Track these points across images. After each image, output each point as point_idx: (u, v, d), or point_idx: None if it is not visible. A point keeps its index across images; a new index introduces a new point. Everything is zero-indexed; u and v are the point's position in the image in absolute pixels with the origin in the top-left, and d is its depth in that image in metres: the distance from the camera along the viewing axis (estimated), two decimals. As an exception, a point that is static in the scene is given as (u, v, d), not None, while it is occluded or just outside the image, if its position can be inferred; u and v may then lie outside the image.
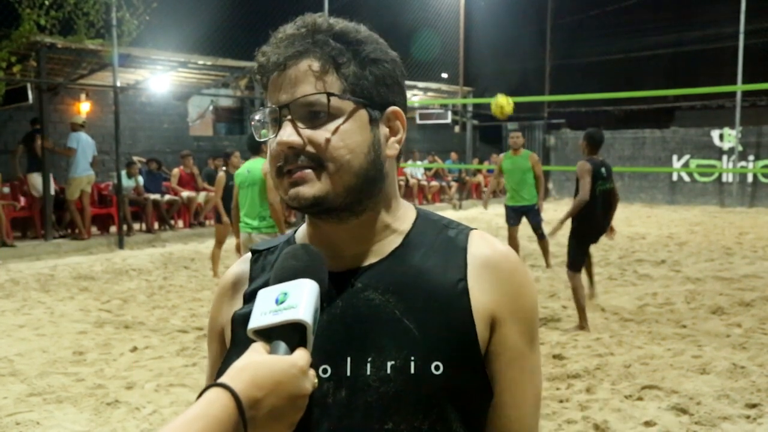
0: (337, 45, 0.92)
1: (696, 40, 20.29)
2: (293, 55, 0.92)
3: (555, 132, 21.31)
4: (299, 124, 0.91)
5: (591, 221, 5.69)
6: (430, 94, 18.56)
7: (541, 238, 8.38)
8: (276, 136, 0.93)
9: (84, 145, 10.89)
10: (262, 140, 0.97)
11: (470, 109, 19.71)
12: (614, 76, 21.02)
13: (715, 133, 18.15)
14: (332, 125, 0.91)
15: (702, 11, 20.24)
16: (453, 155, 19.36)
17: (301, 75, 0.91)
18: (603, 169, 5.75)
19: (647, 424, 3.69)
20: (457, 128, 22.29)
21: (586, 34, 22.06)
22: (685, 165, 18.58)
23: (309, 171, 0.91)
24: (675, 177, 18.90)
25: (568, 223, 5.76)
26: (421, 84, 17.55)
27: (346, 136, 0.91)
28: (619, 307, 6.35)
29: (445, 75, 20.25)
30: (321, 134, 0.91)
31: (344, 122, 0.91)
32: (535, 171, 8.34)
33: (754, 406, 3.91)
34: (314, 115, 0.91)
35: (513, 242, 8.35)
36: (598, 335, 5.44)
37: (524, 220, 8.41)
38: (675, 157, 18.79)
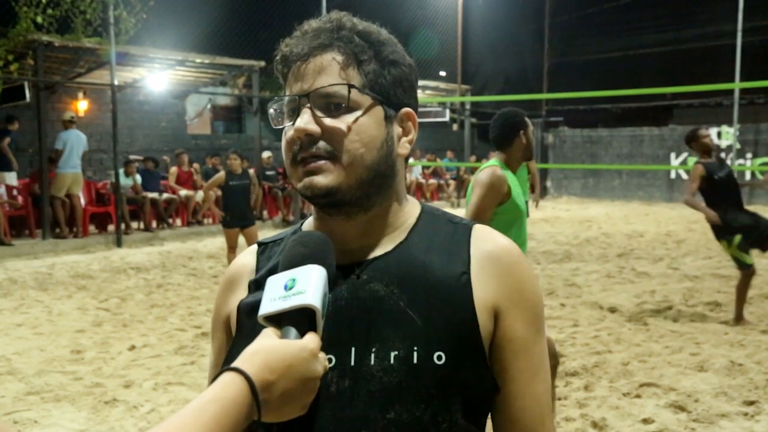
0: (360, 42, 0.95)
1: (694, 38, 20.30)
2: (318, 47, 0.94)
3: (553, 130, 21.31)
4: (318, 113, 0.93)
5: None
6: (428, 92, 18.55)
7: None
8: (293, 123, 0.95)
9: (73, 142, 10.79)
10: (278, 128, 0.99)
11: (468, 107, 19.71)
12: (612, 74, 21.02)
13: (713, 131, 18.17)
14: (350, 117, 0.93)
15: (700, 9, 20.26)
16: (449, 153, 19.36)
17: (324, 66, 0.94)
18: None
19: (645, 421, 3.70)
20: (455, 126, 22.30)
21: (584, 32, 22.06)
22: (683, 163, 18.58)
23: (324, 161, 0.93)
24: (673, 174, 18.91)
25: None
26: (419, 82, 17.49)
27: (362, 129, 0.94)
28: (617, 305, 6.36)
29: (443, 73, 20.26)
30: (338, 125, 0.93)
31: (361, 116, 0.94)
32: (530, 167, 8.40)
33: (751, 403, 3.91)
34: (333, 107, 0.94)
35: None
36: (596, 333, 5.45)
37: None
38: (673, 155, 18.81)
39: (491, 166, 3.38)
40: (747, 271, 5.57)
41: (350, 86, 0.93)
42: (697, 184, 5.60)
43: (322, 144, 0.93)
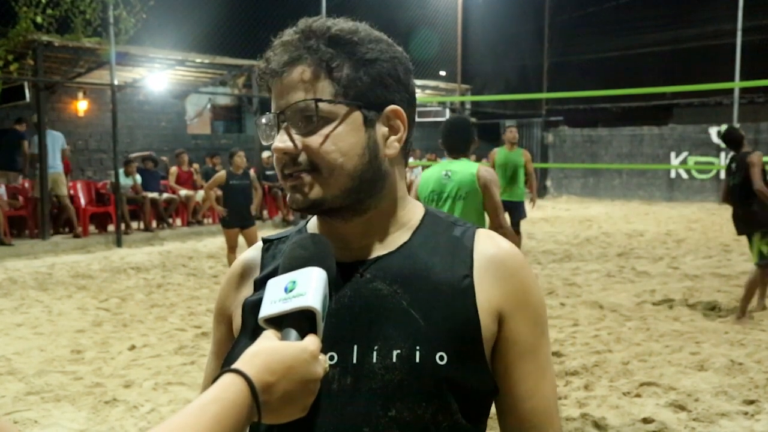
0: (329, 50, 0.93)
1: (694, 37, 20.32)
2: (287, 62, 0.94)
3: (553, 129, 21.31)
4: (293, 130, 0.94)
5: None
6: (428, 91, 18.55)
7: (516, 234, 8.46)
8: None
9: (47, 143, 10.75)
10: (268, 144, 0.99)
11: (468, 106, 19.71)
12: (612, 74, 21.04)
13: (712, 130, 18.16)
14: (325, 130, 0.93)
15: (700, 8, 20.27)
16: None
17: (293, 82, 0.94)
18: (733, 164, 5.96)
19: (645, 420, 3.70)
20: (455, 126, 22.27)
21: (583, 32, 22.07)
22: (683, 162, 18.59)
23: (305, 175, 0.94)
24: (673, 174, 18.92)
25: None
26: (419, 82, 17.55)
27: (338, 139, 0.93)
28: (617, 304, 6.36)
29: (443, 72, 20.25)
30: (313, 139, 0.93)
31: (336, 126, 0.93)
32: (527, 168, 8.41)
33: (751, 402, 3.91)
34: (308, 121, 0.93)
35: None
36: (596, 332, 5.45)
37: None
38: (673, 155, 18.81)
39: (487, 167, 4.05)
40: (766, 267, 5.61)
41: (317, 101, 0.92)
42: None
43: (303, 158, 0.94)
